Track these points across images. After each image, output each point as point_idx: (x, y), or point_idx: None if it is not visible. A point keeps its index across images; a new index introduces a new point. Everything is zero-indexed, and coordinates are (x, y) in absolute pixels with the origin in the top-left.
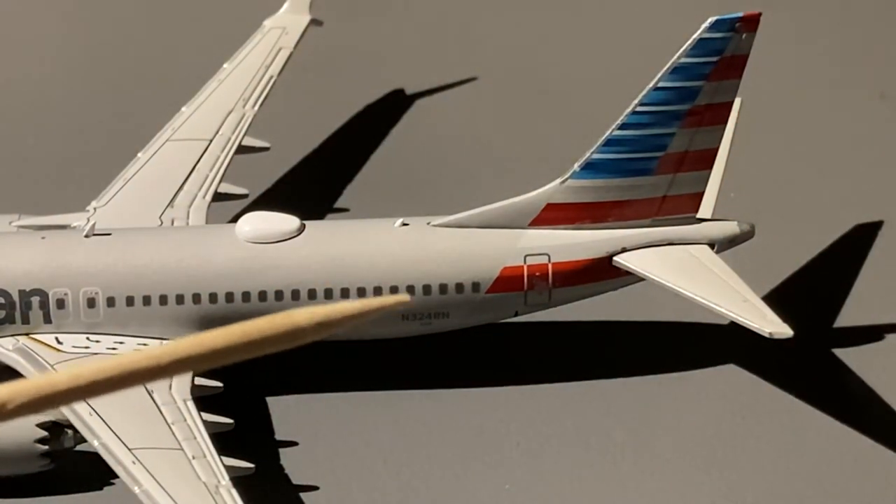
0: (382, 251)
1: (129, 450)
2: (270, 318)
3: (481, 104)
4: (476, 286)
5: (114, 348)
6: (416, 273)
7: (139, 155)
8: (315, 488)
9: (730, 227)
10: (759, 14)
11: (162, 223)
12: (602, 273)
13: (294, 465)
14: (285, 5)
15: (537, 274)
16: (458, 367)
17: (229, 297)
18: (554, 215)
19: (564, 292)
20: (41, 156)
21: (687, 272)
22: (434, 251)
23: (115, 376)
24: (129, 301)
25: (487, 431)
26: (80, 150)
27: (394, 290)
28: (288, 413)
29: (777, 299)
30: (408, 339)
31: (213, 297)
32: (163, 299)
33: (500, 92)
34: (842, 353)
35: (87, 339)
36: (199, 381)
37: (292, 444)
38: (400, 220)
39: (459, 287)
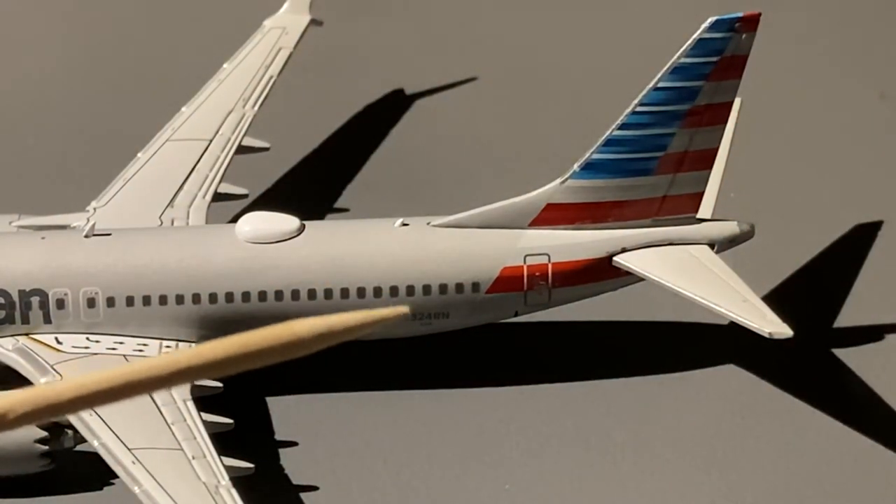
0: (382, 251)
1: (129, 450)
2: (271, 328)
3: (481, 104)
4: (476, 286)
5: (114, 348)
6: (416, 273)
7: (139, 155)
8: (315, 488)
9: (730, 227)
10: (759, 14)
11: (162, 223)
12: (602, 273)
13: (294, 465)
14: (285, 5)
15: (537, 274)
16: (458, 367)
17: (229, 297)
18: (554, 215)
19: (564, 292)
20: (41, 156)
21: (687, 272)
22: (434, 251)
23: (117, 387)
24: (129, 301)
25: (487, 431)
26: (80, 150)
27: (394, 290)
28: (288, 413)
29: (777, 299)
30: (408, 339)
31: (212, 298)
32: (163, 299)
33: (500, 92)
34: (842, 353)
35: (87, 339)
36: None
37: (292, 444)
38: (400, 221)
39: (459, 287)
